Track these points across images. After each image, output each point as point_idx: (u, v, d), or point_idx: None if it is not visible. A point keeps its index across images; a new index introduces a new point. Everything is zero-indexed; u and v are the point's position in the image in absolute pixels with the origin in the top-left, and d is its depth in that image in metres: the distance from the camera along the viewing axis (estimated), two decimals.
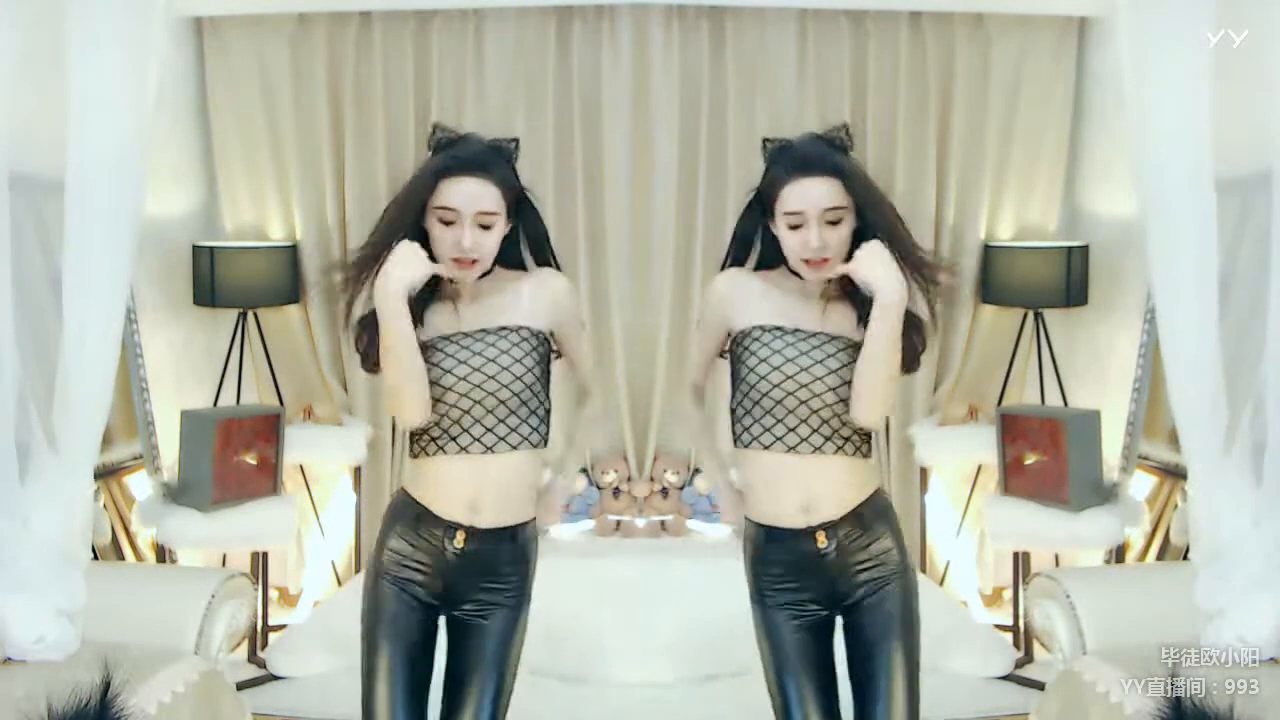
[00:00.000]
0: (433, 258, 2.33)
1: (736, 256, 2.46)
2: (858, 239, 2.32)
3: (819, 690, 2.44)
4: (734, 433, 2.41)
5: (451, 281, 2.38)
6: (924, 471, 4.66)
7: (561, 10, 4.54)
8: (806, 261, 2.32)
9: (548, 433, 2.43)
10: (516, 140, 2.43)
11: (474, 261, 2.33)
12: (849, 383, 2.33)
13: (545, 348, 2.41)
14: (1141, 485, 4.26)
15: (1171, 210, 3.18)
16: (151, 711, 2.92)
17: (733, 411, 2.41)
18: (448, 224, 2.32)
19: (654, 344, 4.65)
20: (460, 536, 2.38)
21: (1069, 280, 4.37)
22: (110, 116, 3.19)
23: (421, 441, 2.40)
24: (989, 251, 4.58)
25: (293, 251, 4.57)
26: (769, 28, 4.56)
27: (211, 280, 4.35)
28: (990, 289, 4.57)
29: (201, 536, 4.13)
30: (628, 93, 4.57)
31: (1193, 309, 3.20)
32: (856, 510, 2.39)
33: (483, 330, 2.36)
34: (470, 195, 2.30)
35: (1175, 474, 4.00)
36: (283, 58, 4.56)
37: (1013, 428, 4.27)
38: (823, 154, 2.33)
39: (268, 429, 4.26)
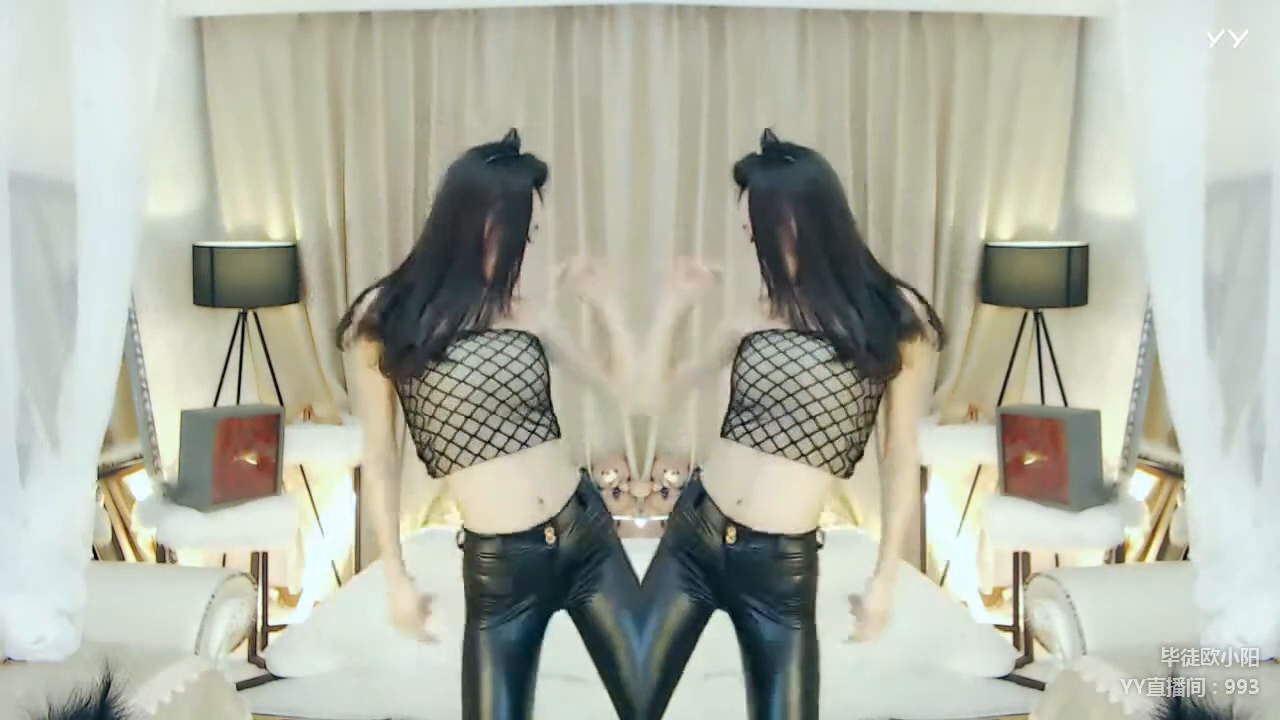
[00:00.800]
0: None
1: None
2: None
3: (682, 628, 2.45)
4: (725, 424, 2.44)
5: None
6: (924, 471, 4.66)
7: (561, 10, 4.54)
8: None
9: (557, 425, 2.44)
10: (514, 131, 2.41)
11: None
12: (836, 377, 2.31)
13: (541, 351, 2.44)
14: (1141, 485, 4.26)
15: (1170, 210, 3.18)
16: (151, 711, 2.92)
17: (729, 408, 2.44)
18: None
19: None
20: (550, 533, 2.38)
21: (1069, 280, 4.37)
22: (111, 117, 3.19)
23: (433, 452, 2.40)
24: (989, 251, 4.58)
25: (293, 251, 4.57)
26: (769, 28, 4.56)
27: (211, 280, 4.35)
28: (990, 289, 4.57)
29: (201, 536, 4.13)
30: (628, 93, 4.57)
31: (1191, 309, 3.20)
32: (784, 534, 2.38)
33: (509, 330, 2.37)
34: (540, 210, 2.37)
35: (1175, 474, 4.00)
36: (283, 58, 4.56)
37: (1013, 428, 4.27)
38: (743, 166, 2.38)
39: (268, 429, 4.27)
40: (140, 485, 4.25)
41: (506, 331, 2.36)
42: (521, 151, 2.37)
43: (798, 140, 2.42)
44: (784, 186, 2.30)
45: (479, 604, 2.42)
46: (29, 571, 3.16)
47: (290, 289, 4.54)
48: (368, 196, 4.60)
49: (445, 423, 2.33)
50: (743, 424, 2.36)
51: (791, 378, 2.30)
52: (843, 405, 2.31)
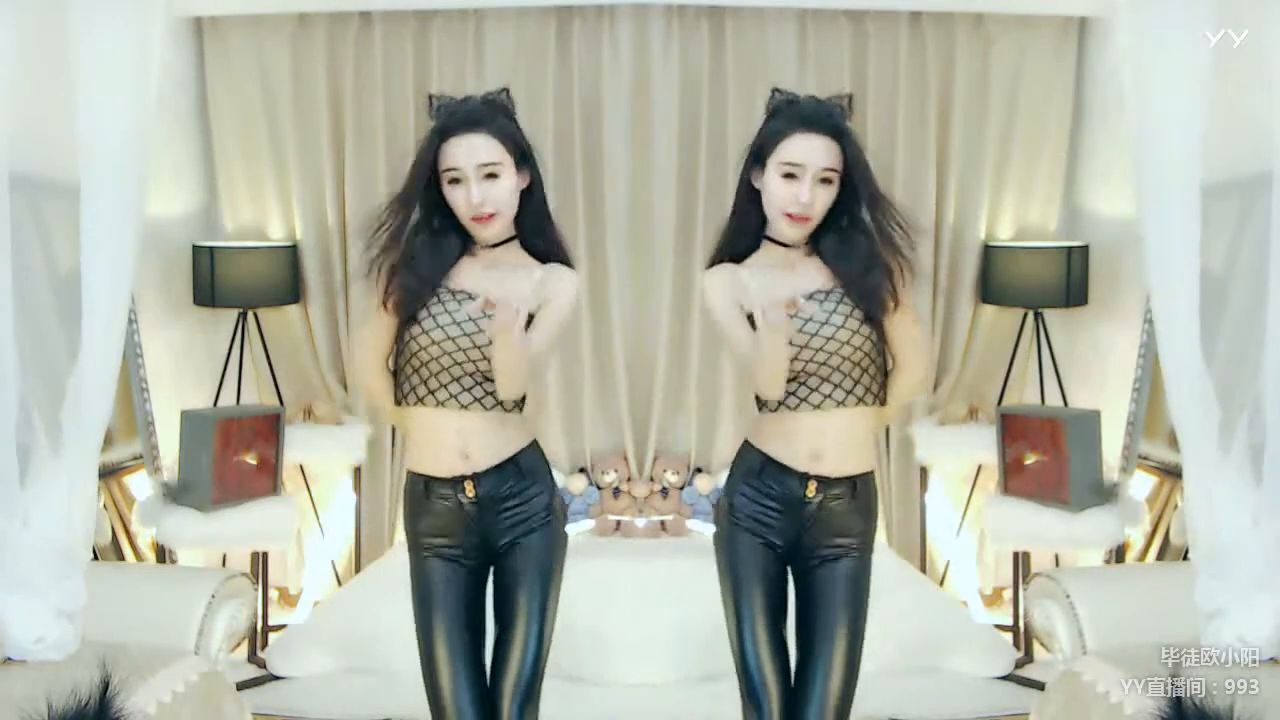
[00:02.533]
0: (457, 224, 2.46)
1: (725, 241, 2.57)
2: (836, 207, 2.46)
3: (771, 607, 2.53)
4: (760, 402, 2.53)
5: (473, 247, 2.50)
6: (924, 471, 4.66)
7: (561, 10, 4.54)
8: (789, 216, 2.43)
9: (523, 403, 2.53)
10: (507, 90, 2.54)
11: (490, 215, 2.43)
12: (858, 331, 2.45)
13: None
14: (1141, 485, 4.26)
15: (1170, 210, 3.18)
16: (151, 711, 2.92)
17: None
18: (457, 183, 2.42)
19: (654, 344, 4.65)
20: (469, 486, 2.48)
21: (1069, 280, 4.37)
22: (111, 117, 3.19)
23: (402, 390, 2.51)
24: (989, 251, 4.58)
25: (293, 251, 4.57)
26: (769, 28, 4.56)
27: (211, 280, 4.35)
28: (990, 289, 4.57)
29: (201, 536, 4.13)
30: (628, 93, 4.57)
31: (1190, 309, 3.19)
32: (853, 477, 2.52)
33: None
34: (469, 150, 2.40)
35: (1175, 474, 4.00)
36: (283, 58, 4.56)
37: (1013, 428, 4.27)
38: (829, 112, 2.46)
39: (268, 429, 4.27)
40: (140, 485, 4.25)
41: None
42: (482, 97, 2.54)
43: None
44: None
45: (413, 537, 2.56)
46: (29, 571, 3.16)
47: (290, 289, 4.54)
48: (368, 196, 4.59)
49: (404, 362, 2.50)
50: (792, 393, 2.46)
51: (830, 339, 2.42)
52: (866, 353, 2.47)
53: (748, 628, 2.51)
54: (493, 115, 2.45)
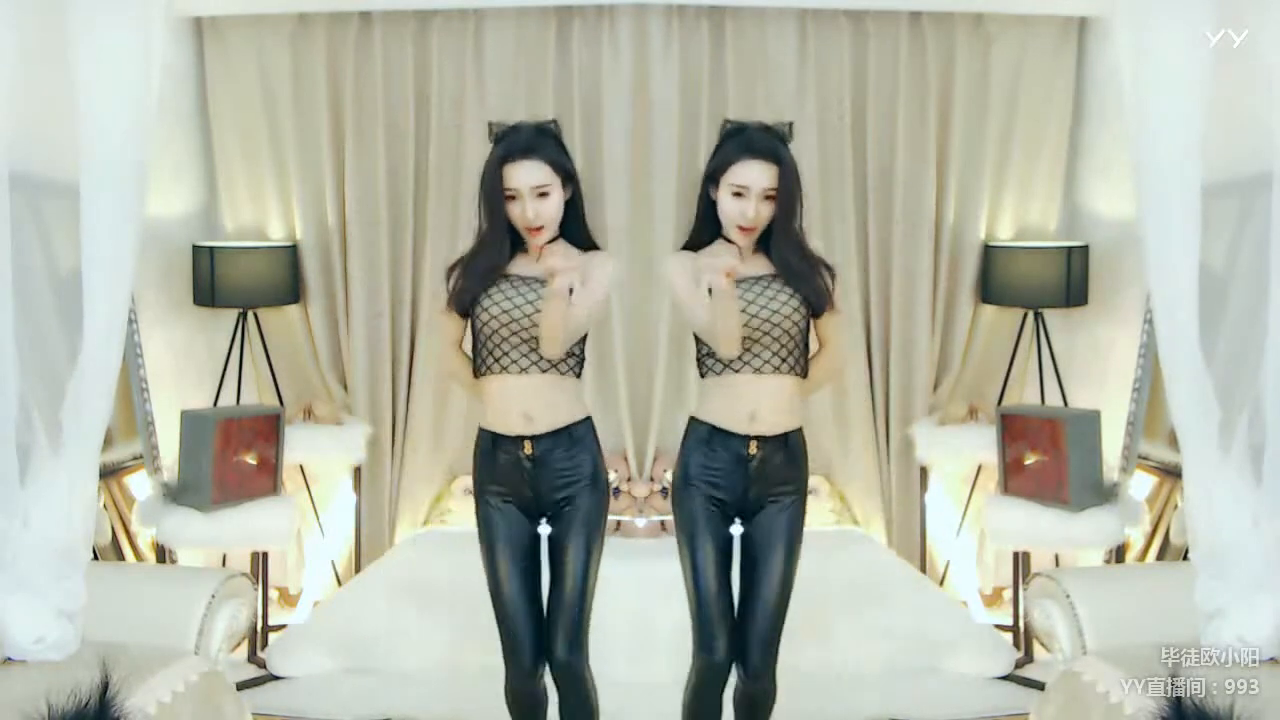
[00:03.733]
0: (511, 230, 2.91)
1: (691, 239, 3.01)
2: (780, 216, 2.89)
3: (720, 557, 2.97)
4: (705, 367, 2.96)
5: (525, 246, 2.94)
6: (924, 471, 4.66)
7: (561, 10, 4.54)
8: (740, 228, 2.89)
9: (580, 367, 2.97)
10: (555, 121, 2.97)
11: (540, 228, 2.89)
12: (797, 309, 2.89)
13: None
14: (1141, 485, 4.26)
15: (1170, 210, 3.18)
16: (151, 711, 2.92)
17: (703, 356, 2.96)
18: (512, 199, 2.88)
19: (654, 343, 4.65)
20: (528, 445, 2.91)
21: (1069, 280, 4.37)
22: (111, 117, 3.19)
23: (477, 365, 2.95)
24: (989, 251, 4.58)
25: (293, 251, 4.58)
26: (769, 27, 4.56)
27: (211, 280, 4.35)
28: (990, 289, 4.57)
29: (201, 536, 4.13)
30: (628, 93, 4.57)
31: (1190, 310, 3.19)
32: (785, 434, 2.94)
33: (535, 279, 2.88)
34: (526, 175, 2.86)
35: (1175, 474, 3.99)
36: (283, 58, 4.56)
37: (1013, 428, 4.27)
38: (770, 143, 2.88)
39: (268, 429, 4.27)
40: (140, 485, 4.25)
41: (537, 280, 2.87)
42: (535, 125, 2.93)
43: (798, 139, 3.03)
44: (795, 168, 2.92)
45: (480, 484, 2.98)
46: (29, 571, 3.16)
47: (290, 289, 4.54)
48: (368, 196, 4.60)
49: (478, 341, 2.95)
50: (739, 357, 2.90)
51: (775, 313, 2.87)
52: (799, 330, 2.92)
53: (701, 577, 2.95)
54: (544, 143, 2.89)
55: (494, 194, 2.88)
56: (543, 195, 2.87)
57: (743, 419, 2.91)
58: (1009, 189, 4.66)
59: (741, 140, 2.89)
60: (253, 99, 4.58)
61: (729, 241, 2.95)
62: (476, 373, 2.98)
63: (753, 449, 2.92)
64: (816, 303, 2.91)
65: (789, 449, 2.95)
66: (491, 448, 2.95)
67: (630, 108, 4.57)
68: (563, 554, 2.95)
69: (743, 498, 2.95)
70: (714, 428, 2.95)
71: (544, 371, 2.91)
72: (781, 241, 2.90)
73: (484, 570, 2.96)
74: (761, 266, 2.94)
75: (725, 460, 2.94)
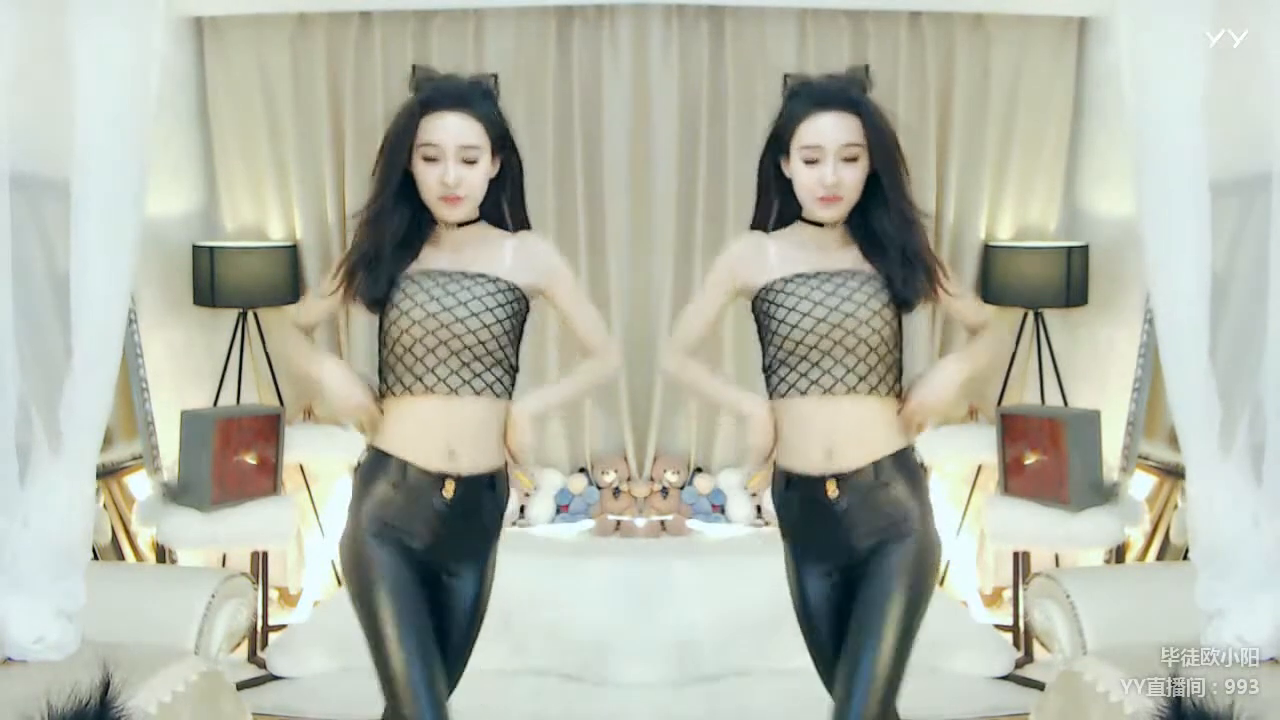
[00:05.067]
0: (420, 202, 2.35)
1: (757, 218, 2.45)
2: (873, 183, 2.33)
3: (832, 636, 2.44)
4: (770, 386, 2.40)
5: (434, 225, 2.39)
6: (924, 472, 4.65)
7: (561, 10, 4.54)
8: (821, 199, 2.31)
9: (513, 386, 2.40)
10: (495, 76, 2.41)
11: (459, 198, 2.32)
12: (879, 314, 2.34)
13: (521, 305, 2.39)
14: (1141, 485, 4.26)
15: (1170, 210, 3.18)
16: (151, 711, 2.92)
17: (767, 369, 2.40)
18: (431, 160, 2.30)
19: (654, 343, 4.64)
20: (449, 486, 2.35)
21: (1069, 280, 4.37)
22: (111, 117, 3.19)
23: (387, 382, 2.40)
24: (989, 251, 4.58)
25: (293, 251, 4.57)
26: (769, 27, 4.56)
27: (211, 280, 4.35)
28: (990, 289, 4.57)
29: (201, 536, 4.13)
30: (628, 93, 4.57)
31: (1191, 310, 3.20)
32: (875, 463, 2.38)
33: (461, 273, 2.35)
34: (453, 130, 2.29)
35: (1175, 474, 4.00)
36: (283, 58, 4.56)
37: (1013, 428, 4.27)
38: (842, 89, 2.34)
39: (268, 429, 4.27)
40: (140, 485, 4.25)
41: (481, 275, 2.35)
42: (469, 78, 2.39)
43: None
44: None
45: (365, 517, 2.43)
46: (29, 571, 3.16)
47: (290, 289, 4.54)
48: (367, 196, 4.59)
49: (389, 351, 2.38)
50: (801, 374, 2.34)
51: (837, 308, 2.31)
52: (883, 339, 2.36)
53: (809, 639, 2.50)
54: (479, 97, 2.33)
55: (400, 150, 2.30)
56: (469, 162, 2.30)
57: (816, 457, 2.36)
58: (1009, 189, 4.66)
59: (809, 92, 2.33)
60: (253, 99, 4.58)
61: (810, 223, 2.38)
62: (384, 391, 2.40)
63: (832, 490, 2.37)
64: (906, 295, 2.36)
65: (880, 479, 2.39)
66: (398, 475, 2.38)
67: (630, 108, 4.57)
68: (460, 602, 2.47)
69: (834, 546, 2.40)
70: (790, 472, 2.40)
71: (478, 393, 2.33)
72: (878, 216, 2.33)
73: (360, 622, 2.51)
74: (844, 256, 2.38)
75: (807, 505, 2.39)
